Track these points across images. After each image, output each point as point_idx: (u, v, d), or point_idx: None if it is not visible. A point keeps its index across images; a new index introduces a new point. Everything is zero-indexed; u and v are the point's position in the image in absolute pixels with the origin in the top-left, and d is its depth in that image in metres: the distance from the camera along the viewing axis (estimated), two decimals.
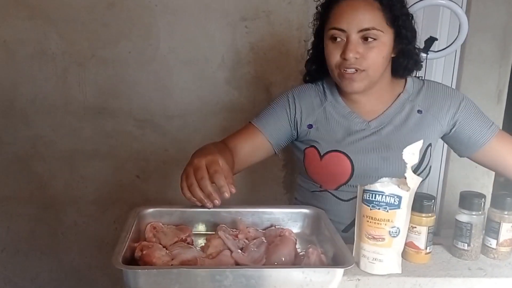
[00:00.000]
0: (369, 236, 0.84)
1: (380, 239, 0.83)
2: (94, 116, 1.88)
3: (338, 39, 1.05)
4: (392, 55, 1.10)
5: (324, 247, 0.87)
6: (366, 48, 1.04)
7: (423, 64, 2.08)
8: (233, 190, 0.86)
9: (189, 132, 1.91)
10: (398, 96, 1.16)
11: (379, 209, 0.83)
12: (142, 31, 1.82)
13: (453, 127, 1.14)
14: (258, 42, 1.89)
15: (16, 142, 1.89)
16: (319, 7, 1.14)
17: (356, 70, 1.05)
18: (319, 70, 1.17)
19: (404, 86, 1.17)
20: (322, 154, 1.13)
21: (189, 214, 0.95)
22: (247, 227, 0.92)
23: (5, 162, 1.91)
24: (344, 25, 1.04)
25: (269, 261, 0.80)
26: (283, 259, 0.80)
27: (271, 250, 0.83)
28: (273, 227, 0.93)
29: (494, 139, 1.13)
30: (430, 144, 1.13)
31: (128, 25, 1.81)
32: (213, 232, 0.91)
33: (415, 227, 0.88)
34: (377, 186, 0.83)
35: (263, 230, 0.94)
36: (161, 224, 0.90)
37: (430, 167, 1.15)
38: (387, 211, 0.82)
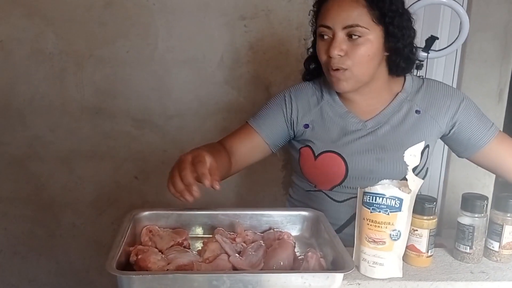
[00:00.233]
0: (370, 240, 0.82)
1: (380, 243, 0.81)
2: (92, 116, 1.87)
3: (326, 37, 1.04)
4: (386, 53, 1.08)
5: (323, 250, 0.85)
6: (351, 45, 1.02)
7: (424, 63, 2.07)
8: (217, 187, 0.82)
9: (188, 132, 1.89)
10: (396, 95, 1.14)
11: (379, 211, 0.81)
12: (140, 30, 1.80)
13: (452, 128, 1.12)
14: (258, 41, 1.88)
15: (13, 143, 1.88)
16: (314, 5, 1.13)
17: (342, 69, 1.03)
18: (317, 68, 1.16)
19: (403, 85, 1.15)
20: (316, 155, 1.11)
21: (186, 217, 0.93)
22: (245, 230, 0.90)
23: (2, 163, 1.90)
24: (330, 22, 1.03)
25: (267, 265, 0.79)
26: (282, 263, 0.79)
27: (270, 254, 0.81)
28: (271, 230, 0.92)
29: (494, 140, 1.11)
30: (427, 146, 1.11)
31: (126, 24, 1.79)
32: (211, 235, 0.89)
33: (417, 230, 0.86)
34: (378, 188, 0.81)
35: (261, 233, 0.92)
36: (157, 227, 0.89)
37: (427, 169, 1.13)
38: (388, 214, 0.80)
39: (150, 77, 1.85)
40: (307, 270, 0.76)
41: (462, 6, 1.99)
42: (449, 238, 0.99)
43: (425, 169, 1.12)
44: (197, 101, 1.87)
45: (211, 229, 0.92)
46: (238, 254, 0.82)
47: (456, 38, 2.03)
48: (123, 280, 0.69)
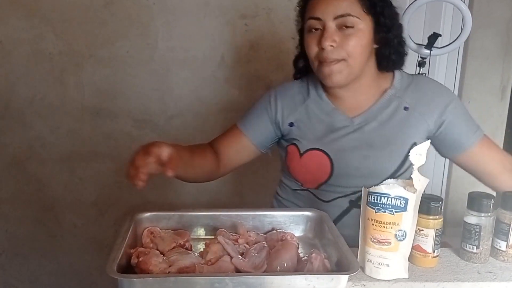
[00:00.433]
0: (375, 240, 0.81)
1: (386, 243, 0.80)
2: (92, 117, 1.86)
3: (316, 29, 1.02)
4: (375, 46, 1.06)
5: (327, 251, 0.84)
6: (343, 36, 1.00)
7: (427, 60, 2.05)
8: (170, 174, 0.82)
9: (188, 132, 1.88)
10: (385, 92, 1.11)
11: (384, 212, 0.79)
12: (140, 30, 1.79)
13: (440, 126, 1.09)
14: (258, 40, 1.86)
15: (13, 144, 1.87)
16: (300, 3, 1.11)
17: (336, 61, 1.01)
18: (306, 66, 1.13)
19: (392, 81, 1.12)
20: (301, 152, 1.09)
21: (188, 218, 0.92)
22: (247, 231, 0.89)
23: (3, 164, 1.89)
24: (319, 13, 1.00)
25: (270, 267, 0.77)
26: (285, 264, 0.77)
27: (273, 256, 0.80)
28: (274, 231, 0.90)
29: (479, 144, 1.09)
30: (415, 143, 1.06)
31: (125, 24, 1.78)
32: (213, 236, 0.88)
33: (422, 230, 0.85)
34: (383, 188, 0.80)
35: (264, 234, 0.91)
36: (158, 229, 0.87)
37: (420, 167, 1.10)
38: (393, 214, 0.79)
39: (150, 77, 1.84)
40: (311, 271, 0.75)
41: (464, 2, 1.97)
42: (453, 236, 0.98)
43: (411, 167, 1.09)
44: (197, 101, 1.86)
45: (213, 230, 0.91)
46: (241, 256, 0.80)
47: (459, 35, 2.01)
48: (124, 284, 0.68)
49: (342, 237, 0.82)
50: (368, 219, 0.81)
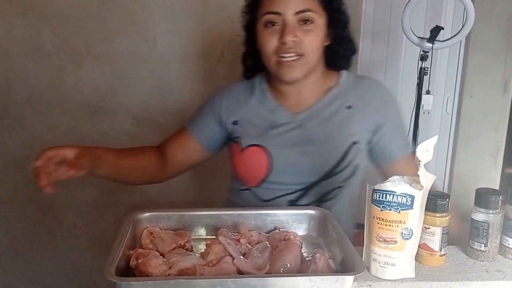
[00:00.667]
0: (380, 239, 0.78)
1: (392, 242, 0.78)
2: (91, 115, 1.84)
3: (274, 24, 1.00)
4: (326, 43, 1.05)
5: (331, 250, 0.81)
6: (303, 31, 0.99)
7: (430, 54, 2.02)
8: (70, 173, 0.87)
9: None
10: (330, 90, 1.10)
11: (390, 210, 0.77)
12: (138, 26, 1.77)
13: (377, 132, 1.08)
14: None
15: (12, 143, 1.85)
16: None
17: (296, 56, 1.00)
18: (256, 65, 1.11)
19: (338, 80, 1.11)
20: (242, 148, 1.09)
21: (188, 217, 0.90)
22: (249, 231, 0.86)
23: (1, 163, 1.87)
24: (280, 8, 0.99)
25: (273, 268, 0.75)
26: (289, 265, 0.75)
27: (276, 256, 0.77)
28: (277, 230, 0.88)
29: (406, 160, 1.09)
30: (355, 142, 1.06)
31: (123, 20, 1.76)
32: (214, 236, 0.86)
33: (429, 228, 0.83)
34: (388, 185, 0.77)
35: (266, 233, 0.89)
36: (158, 229, 0.85)
37: (357, 165, 1.07)
38: (399, 212, 0.77)
39: (149, 74, 1.81)
40: (315, 272, 0.72)
41: None
42: (455, 232, 0.95)
43: (352, 166, 1.06)
44: (198, 98, 1.84)
45: (214, 229, 0.89)
46: (243, 256, 0.78)
47: (462, 28, 1.98)
48: (122, 287, 0.66)
49: (346, 236, 0.80)
50: (373, 217, 0.79)
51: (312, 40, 1.00)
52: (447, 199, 0.83)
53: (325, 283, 0.68)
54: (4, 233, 1.95)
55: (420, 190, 0.77)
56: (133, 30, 1.77)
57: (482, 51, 2.75)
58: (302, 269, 0.76)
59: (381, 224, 0.78)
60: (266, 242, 0.83)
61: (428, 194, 0.80)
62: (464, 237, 0.90)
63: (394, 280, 0.79)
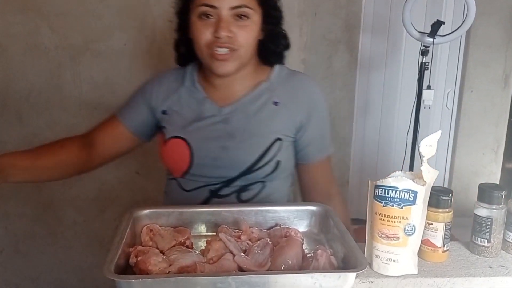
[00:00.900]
0: (382, 235, 0.78)
1: (394, 238, 0.77)
2: (91, 112, 1.83)
3: (209, 17, 0.98)
4: (260, 38, 1.04)
5: (333, 247, 0.81)
6: (238, 26, 0.98)
7: (430, 49, 2.01)
8: None
9: None
10: (259, 85, 1.08)
11: (392, 205, 0.76)
12: (137, 22, 1.75)
13: (300, 130, 1.07)
14: None
15: (10, 141, 1.84)
16: None
17: (229, 51, 0.99)
18: (190, 52, 1.08)
19: (269, 75, 1.09)
20: (165, 140, 1.08)
21: (188, 214, 0.89)
22: (250, 227, 0.86)
23: None
24: (216, 2, 0.97)
25: (274, 265, 0.74)
26: (290, 262, 0.74)
27: (277, 253, 0.77)
28: (278, 227, 0.87)
29: (322, 161, 1.11)
30: (279, 139, 1.04)
31: (122, 16, 1.74)
32: (214, 233, 0.85)
33: (432, 224, 0.82)
34: (390, 181, 0.76)
35: (267, 230, 0.88)
36: (158, 226, 0.84)
37: (279, 162, 1.05)
38: (402, 208, 0.76)
39: (149, 70, 1.80)
40: (317, 269, 0.72)
41: None
42: (456, 227, 0.94)
43: (274, 162, 1.04)
44: None
45: (214, 226, 0.88)
46: (244, 253, 0.77)
47: (463, 22, 1.97)
48: (122, 285, 0.65)
49: (348, 232, 0.79)
50: (376, 213, 0.78)
51: (247, 35, 0.99)
52: (450, 195, 0.82)
53: (327, 280, 0.67)
54: (4, 231, 1.94)
55: (423, 185, 0.76)
56: (132, 26, 1.75)
57: (482, 45, 2.74)
58: (304, 266, 0.75)
59: (383, 220, 0.78)
60: (267, 238, 0.82)
61: (431, 190, 0.79)
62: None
63: (397, 277, 0.78)
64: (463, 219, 1.01)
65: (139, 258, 0.72)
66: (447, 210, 0.82)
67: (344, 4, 2.62)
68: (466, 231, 0.90)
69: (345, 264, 0.74)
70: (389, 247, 0.78)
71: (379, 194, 0.78)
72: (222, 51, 0.98)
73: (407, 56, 2.71)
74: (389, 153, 2.87)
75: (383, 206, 0.77)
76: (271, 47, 1.07)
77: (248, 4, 0.98)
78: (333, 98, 2.71)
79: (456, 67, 2.82)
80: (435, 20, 1.96)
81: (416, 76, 2.13)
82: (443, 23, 1.96)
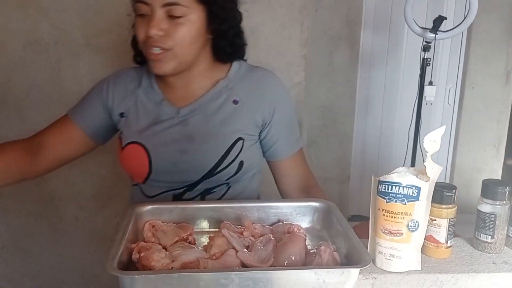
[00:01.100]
0: (386, 231, 0.77)
1: (397, 234, 0.77)
2: None
3: (144, 15, 0.94)
4: (210, 36, 0.99)
5: (336, 243, 0.80)
6: (172, 25, 0.93)
7: (432, 44, 2.00)
8: None
9: None
10: (217, 83, 1.04)
11: (396, 201, 0.76)
12: None
13: (263, 127, 1.04)
14: (259, 27, 1.82)
15: (10, 137, 1.81)
16: None
17: (161, 50, 0.94)
18: None
19: (227, 72, 1.05)
20: (123, 146, 1.03)
21: (190, 210, 0.89)
22: (252, 223, 0.85)
23: None
24: None
25: (277, 261, 0.74)
26: (293, 258, 0.74)
27: (280, 249, 0.76)
28: (280, 223, 0.87)
29: (293, 157, 1.07)
30: (241, 138, 1.00)
31: (122, 12, 1.73)
32: (217, 229, 0.85)
33: (435, 220, 0.82)
34: (394, 177, 0.76)
35: (270, 226, 0.87)
36: (160, 222, 0.84)
37: (242, 162, 1.01)
38: (405, 204, 0.75)
39: None
40: (320, 265, 0.71)
41: None
42: (458, 224, 0.94)
43: (237, 162, 1.01)
44: None
45: (217, 222, 0.88)
46: (247, 249, 0.77)
47: (465, 17, 1.96)
48: (125, 281, 0.65)
49: (351, 228, 0.79)
50: (379, 209, 0.78)
51: (181, 34, 0.93)
52: (454, 191, 0.82)
53: (331, 276, 0.67)
54: (5, 227, 1.94)
55: (426, 181, 0.75)
56: (132, 21, 1.74)
57: (484, 42, 2.73)
58: (307, 262, 0.75)
59: (386, 216, 0.77)
60: (269, 234, 0.82)
61: (434, 186, 0.78)
62: None
63: (400, 273, 0.78)
64: (465, 216, 1.01)
65: (141, 254, 0.72)
66: (450, 206, 0.82)
67: None
68: (468, 228, 0.90)
69: (348, 260, 0.74)
70: (393, 243, 0.77)
71: (383, 190, 0.77)
72: (155, 50, 0.94)
73: (409, 52, 2.70)
74: (391, 150, 2.86)
75: (387, 202, 0.77)
76: (220, 46, 1.01)
77: (180, 2, 0.92)
78: (334, 94, 2.71)
79: (457, 64, 2.81)
80: (437, 16, 1.95)
81: (418, 72, 2.12)
82: (445, 18, 1.95)
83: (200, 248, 0.79)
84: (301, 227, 0.85)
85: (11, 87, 1.79)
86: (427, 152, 0.74)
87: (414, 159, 2.20)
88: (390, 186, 0.76)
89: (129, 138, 1.02)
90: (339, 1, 2.60)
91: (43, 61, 1.77)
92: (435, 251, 0.83)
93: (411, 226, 0.76)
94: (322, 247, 0.74)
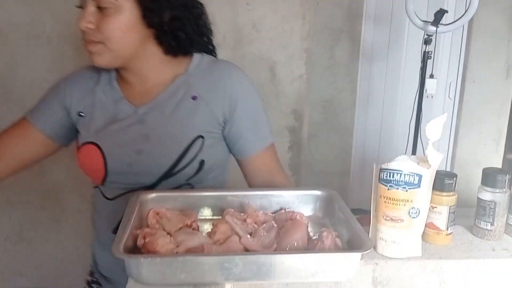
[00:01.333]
0: (387, 218, 0.78)
1: (398, 221, 0.78)
2: None
3: (82, 7, 0.92)
4: (151, 30, 0.95)
5: (338, 230, 0.81)
6: (102, 18, 0.90)
7: (433, 38, 2.00)
8: None
9: None
10: (176, 78, 0.99)
11: (397, 188, 0.77)
12: None
13: (226, 123, 0.99)
14: (261, 20, 1.83)
15: None
16: None
17: (95, 43, 0.92)
18: None
19: (187, 67, 1.00)
20: (79, 146, 1.00)
21: (194, 198, 0.90)
22: (255, 211, 0.86)
23: None
24: None
25: (280, 247, 0.75)
26: (296, 244, 0.75)
27: (282, 235, 0.78)
28: (283, 211, 0.88)
29: (262, 153, 1.02)
30: (200, 136, 0.96)
31: None
32: (219, 217, 0.86)
33: (436, 207, 0.83)
34: (395, 164, 0.77)
35: (272, 213, 0.89)
36: (164, 209, 0.85)
37: (203, 161, 0.97)
38: (406, 191, 0.76)
39: None
40: (323, 250, 0.73)
41: None
42: (458, 217, 0.95)
43: (197, 161, 0.97)
44: None
45: (220, 210, 0.89)
46: (250, 236, 0.78)
47: (466, 10, 1.97)
48: (131, 264, 0.66)
49: (354, 216, 0.80)
50: (380, 196, 0.79)
51: (110, 28, 0.90)
52: (454, 178, 0.83)
53: (333, 261, 0.68)
54: (8, 219, 1.95)
55: (428, 169, 0.76)
56: None
57: (485, 36, 2.73)
58: (309, 247, 0.76)
59: (388, 203, 0.78)
60: (272, 221, 0.83)
61: (435, 173, 0.79)
62: None
63: (401, 259, 0.79)
64: (465, 209, 1.01)
65: (146, 240, 0.73)
66: (451, 193, 0.83)
67: None
68: (468, 221, 0.91)
69: (350, 247, 0.75)
70: (394, 230, 0.78)
71: (384, 178, 0.78)
72: (89, 43, 0.92)
73: (410, 45, 2.70)
74: (391, 143, 2.87)
75: (388, 189, 0.78)
76: (164, 40, 0.97)
77: None
78: (335, 88, 2.71)
79: (458, 58, 2.82)
80: (438, 9, 1.96)
81: (419, 65, 2.12)
82: (446, 11, 1.96)
83: (204, 234, 0.80)
84: (303, 215, 0.86)
85: (14, 80, 1.80)
86: (429, 139, 0.75)
87: (414, 152, 2.22)
88: (391, 174, 0.77)
89: (85, 138, 1.00)
90: None
91: (45, 54, 1.78)
92: (435, 237, 0.84)
93: (412, 213, 0.77)
94: (324, 232, 0.75)
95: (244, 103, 0.99)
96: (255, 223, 0.83)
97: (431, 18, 2.01)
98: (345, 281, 0.78)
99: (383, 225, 0.79)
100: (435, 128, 0.75)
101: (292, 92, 1.91)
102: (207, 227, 0.85)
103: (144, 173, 0.97)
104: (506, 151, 2.93)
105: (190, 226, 0.81)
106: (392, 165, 0.77)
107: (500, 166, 2.92)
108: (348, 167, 2.87)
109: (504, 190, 0.85)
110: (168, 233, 0.78)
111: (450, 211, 0.83)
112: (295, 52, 1.88)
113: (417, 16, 2.00)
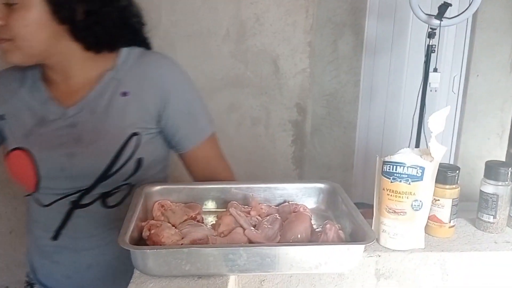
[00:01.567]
0: (390, 210, 0.79)
1: (401, 213, 0.78)
2: None
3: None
4: (65, 26, 0.89)
5: (341, 222, 0.82)
6: (10, 14, 0.85)
7: (437, 31, 2.00)
8: None
9: None
10: (104, 75, 0.94)
11: (400, 181, 0.77)
12: (142, 4, 1.73)
13: (161, 118, 0.95)
14: (264, 13, 1.82)
15: None
16: None
17: (4, 41, 0.87)
18: None
19: (115, 62, 0.95)
20: (6, 152, 0.95)
21: (198, 191, 0.91)
22: (259, 204, 0.87)
23: None
24: None
25: (284, 239, 0.76)
26: (299, 236, 0.76)
27: (286, 227, 0.78)
28: (286, 203, 0.89)
29: (201, 145, 0.99)
30: (135, 134, 0.92)
31: None
32: (223, 210, 0.87)
33: (438, 200, 0.83)
34: (398, 157, 0.77)
35: (276, 206, 0.89)
36: (169, 202, 0.86)
37: (141, 159, 0.93)
38: (409, 184, 0.77)
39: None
40: (326, 242, 0.73)
41: None
42: (461, 211, 0.96)
43: (134, 160, 0.93)
44: (202, 77, 1.83)
45: (224, 203, 0.89)
46: (254, 228, 0.79)
47: (470, 4, 1.96)
48: (137, 255, 0.67)
49: (357, 208, 0.81)
50: (383, 189, 0.80)
51: (17, 24, 0.85)
52: (457, 171, 0.83)
53: (336, 252, 0.69)
54: (14, 211, 1.97)
55: (430, 161, 0.77)
56: None
57: (489, 30, 2.72)
58: (313, 239, 0.76)
59: (391, 195, 0.79)
60: (276, 214, 0.84)
61: (438, 166, 0.80)
62: None
63: (404, 251, 0.80)
64: (468, 204, 1.01)
65: (152, 231, 0.74)
66: (454, 186, 0.83)
67: None
68: (471, 215, 0.91)
69: (353, 239, 0.76)
70: (397, 222, 0.79)
71: (387, 170, 0.79)
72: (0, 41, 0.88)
73: (414, 39, 2.69)
74: (395, 137, 2.87)
75: (391, 182, 0.78)
76: (80, 36, 0.91)
77: None
78: (339, 81, 2.71)
79: (462, 51, 2.81)
80: (442, 2, 1.95)
81: (422, 59, 2.12)
82: (450, 5, 1.95)
83: (208, 226, 0.81)
84: (306, 207, 0.86)
85: None
86: (432, 132, 0.76)
87: (418, 146, 2.22)
88: (394, 166, 0.78)
89: (13, 144, 0.94)
90: None
91: None
92: (438, 230, 0.85)
93: (415, 205, 0.78)
94: (328, 225, 0.76)
95: (177, 95, 0.95)
96: (259, 215, 0.84)
97: (435, 11, 2.00)
98: (348, 273, 0.79)
99: (386, 218, 0.80)
100: (438, 120, 0.76)
101: (295, 86, 1.91)
102: (211, 220, 0.86)
103: (78, 176, 0.92)
104: (509, 145, 2.92)
105: (195, 218, 0.82)
106: (395, 157, 0.78)
107: (503, 160, 2.92)
108: (351, 161, 2.87)
109: (506, 183, 0.85)
110: (173, 225, 0.79)
111: (453, 204, 0.83)
112: (298, 45, 1.87)
113: (421, 10, 2.00)
